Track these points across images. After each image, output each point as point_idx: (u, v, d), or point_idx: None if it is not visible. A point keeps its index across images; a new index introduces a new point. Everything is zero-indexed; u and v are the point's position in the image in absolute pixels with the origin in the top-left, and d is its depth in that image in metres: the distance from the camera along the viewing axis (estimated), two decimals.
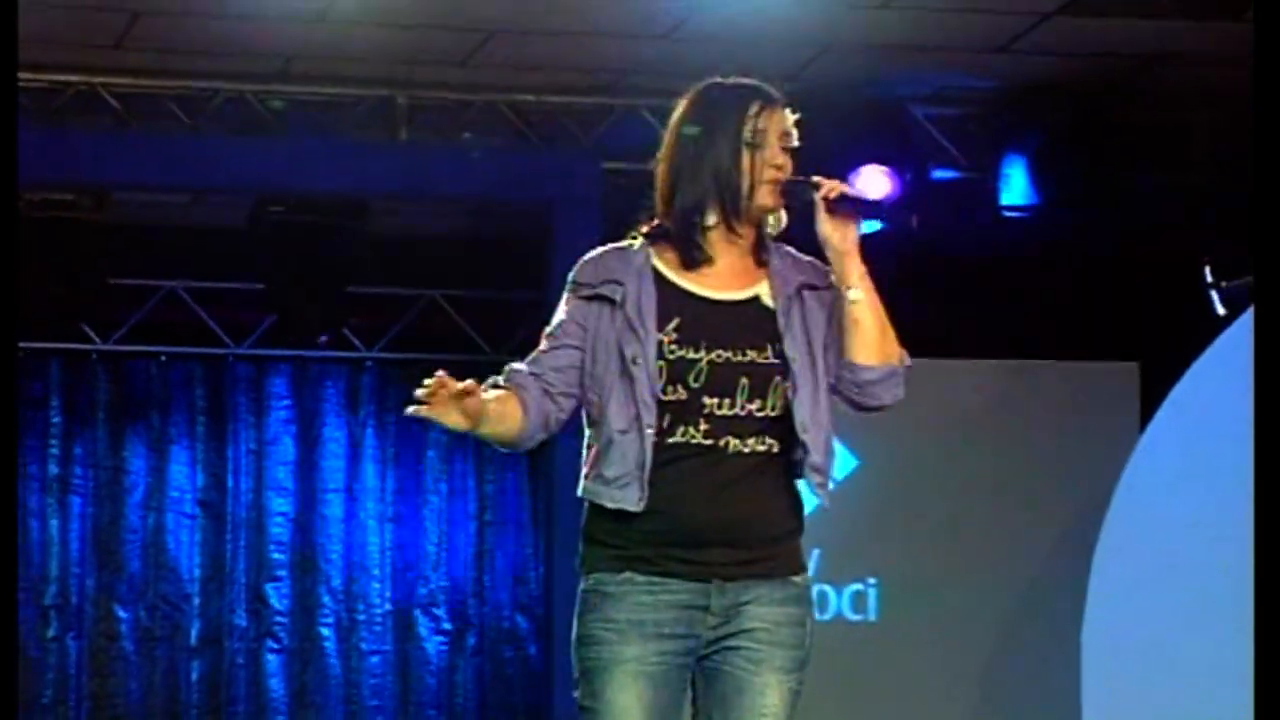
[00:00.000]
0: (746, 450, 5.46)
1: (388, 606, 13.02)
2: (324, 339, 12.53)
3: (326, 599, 13.01)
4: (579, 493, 5.54)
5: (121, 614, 12.84)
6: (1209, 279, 11.43)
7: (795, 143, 5.54)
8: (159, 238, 12.27)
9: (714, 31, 10.31)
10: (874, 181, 11.46)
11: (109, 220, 11.73)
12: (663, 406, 5.43)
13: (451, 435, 12.82)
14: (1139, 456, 10.62)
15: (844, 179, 11.34)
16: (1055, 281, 11.70)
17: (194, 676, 12.90)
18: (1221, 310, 11.26)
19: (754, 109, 5.51)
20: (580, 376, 5.52)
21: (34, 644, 12.69)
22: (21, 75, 11.07)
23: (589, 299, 5.53)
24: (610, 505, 5.45)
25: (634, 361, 5.45)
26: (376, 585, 13.05)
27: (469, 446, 13.09)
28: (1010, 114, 11.56)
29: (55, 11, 10.46)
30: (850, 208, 5.48)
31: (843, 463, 11.49)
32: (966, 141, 11.67)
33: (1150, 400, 11.20)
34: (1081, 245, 11.62)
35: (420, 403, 5.41)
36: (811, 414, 5.47)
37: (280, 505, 13.05)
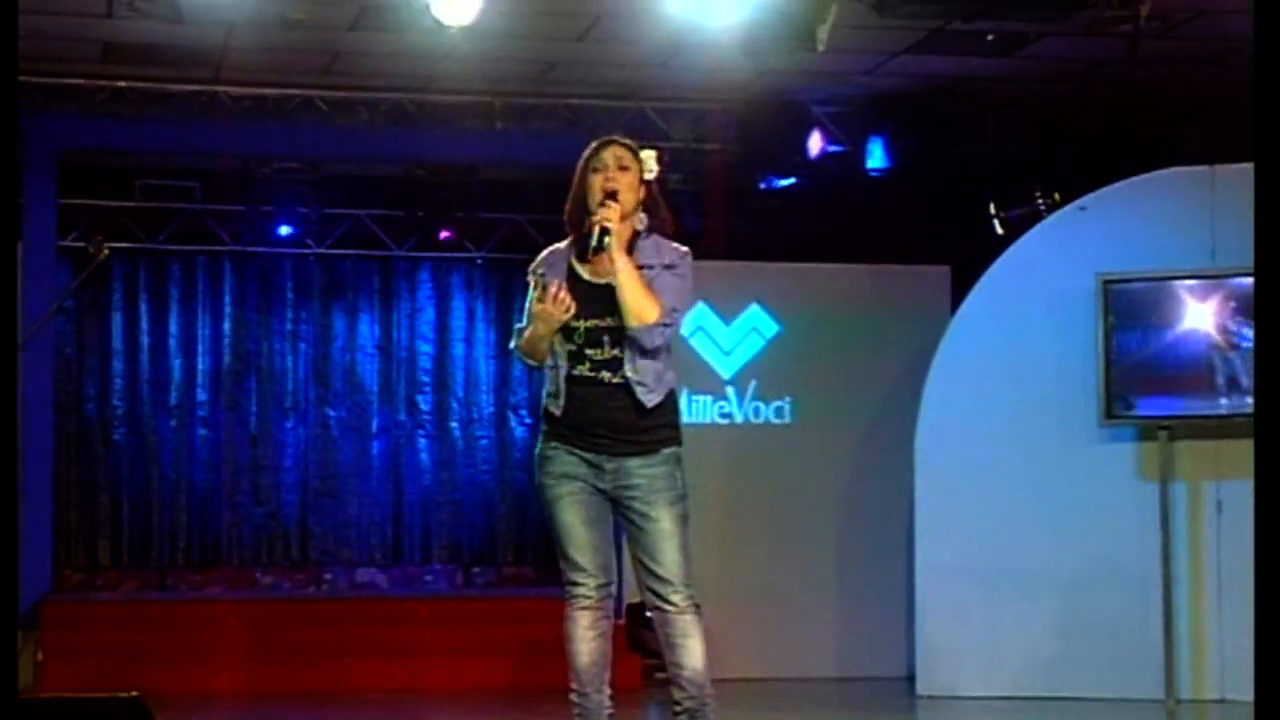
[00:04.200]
0: (615, 380, 5.65)
1: (491, 409, 13.05)
2: (445, 238, 12.47)
3: (454, 405, 13.03)
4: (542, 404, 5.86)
5: (330, 413, 12.90)
6: (993, 211, 11.46)
7: (627, 165, 5.63)
8: (352, 186, 12.29)
9: (691, 63, 10.35)
10: (817, 142, 11.51)
11: (321, 177, 11.75)
12: (568, 353, 5.66)
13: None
14: (951, 329, 10.55)
15: (781, 154, 11.34)
16: (898, 214, 11.64)
17: (374, 452, 12.94)
18: (1000, 231, 11.28)
19: (595, 148, 5.71)
20: None
21: (277, 431, 12.77)
22: (264, 89, 11.18)
23: (536, 283, 5.76)
24: (549, 409, 5.75)
25: (541, 297, 5.63)
26: (485, 396, 13.05)
27: None
28: (873, 112, 11.51)
29: (290, 53, 10.53)
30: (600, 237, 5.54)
31: (767, 327, 11.54)
32: (846, 128, 11.59)
33: (958, 292, 11.03)
34: (915, 192, 11.54)
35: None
36: (631, 355, 5.63)
37: (425, 348, 13.03)
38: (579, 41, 10.38)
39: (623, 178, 5.59)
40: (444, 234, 12.42)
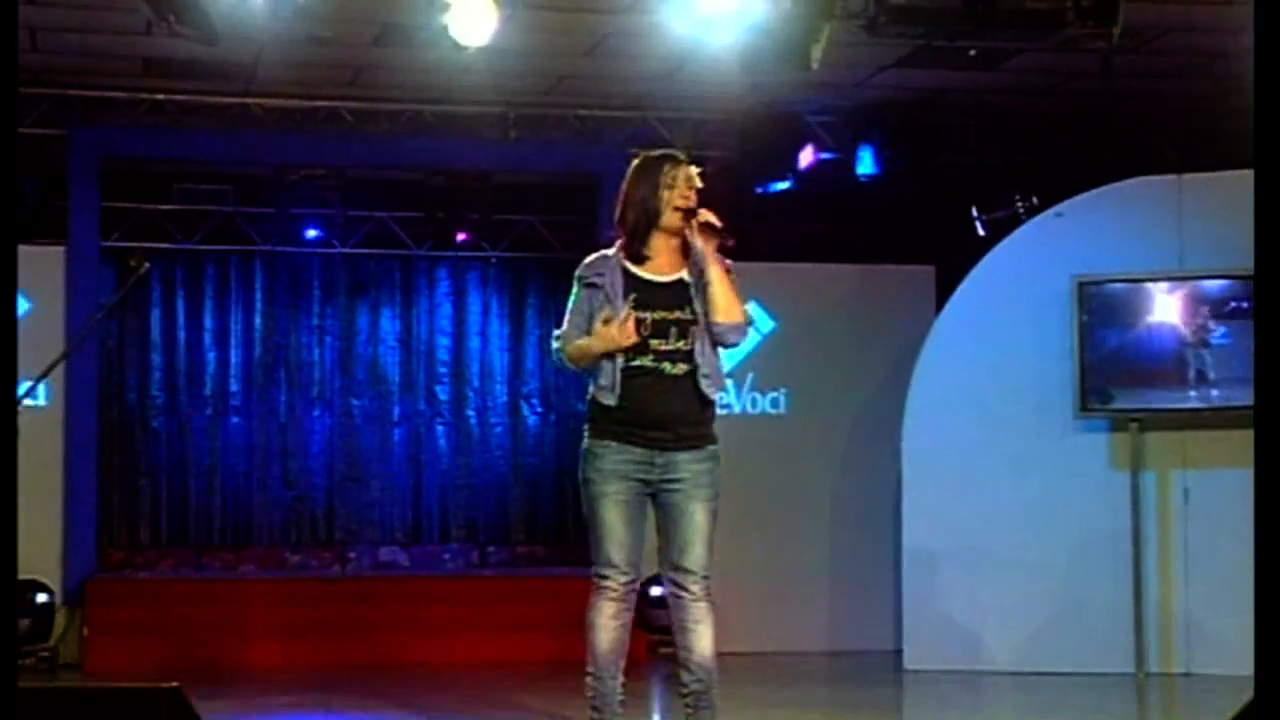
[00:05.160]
0: (677, 371, 5.68)
1: (505, 399, 12.95)
2: (462, 239, 12.42)
3: (470, 394, 12.92)
4: (587, 394, 5.77)
5: (354, 402, 12.77)
6: (975, 214, 11.44)
7: (698, 184, 5.73)
8: (375, 190, 12.26)
9: (695, 76, 10.33)
10: (808, 155, 11.51)
11: (346, 182, 11.69)
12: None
13: (542, 303, 13.01)
14: (936, 326, 10.58)
15: (777, 161, 11.38)
16: (886, 217, 11.62)
17: (396, 438, 12.83)
18: (982, 232, 11.25)
19: (668, 167, 5.67)
20: (589, 331, 5.69)
21: (305, 419, 12.69)
22: (293, 101, 11.19)
23: (586, 285, 5.77)
24: (601, 399, 5.65)
25: (608, 319, 5.64)
26: (499, 386, 12.95)
27: (550, 313, 12.97)
28: (863, 121, 11.50)
29: (316, 68, 10.53)
30: (708, 229, 5.57)
31: (764, 323, 11.54)
32: (838, 137, 11.58)
33: (942, 291, 11.10)
34: (902, 196, 11.51)
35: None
36: (701, 347, 5.68)
37: (443, 341, 12.92)
38: (588, 57, 10.38)
39: (694, 196, 5.68)
40: (460, 235, 12.37)
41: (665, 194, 5.68)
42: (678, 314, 5.65)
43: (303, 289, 12.76)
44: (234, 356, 12.61)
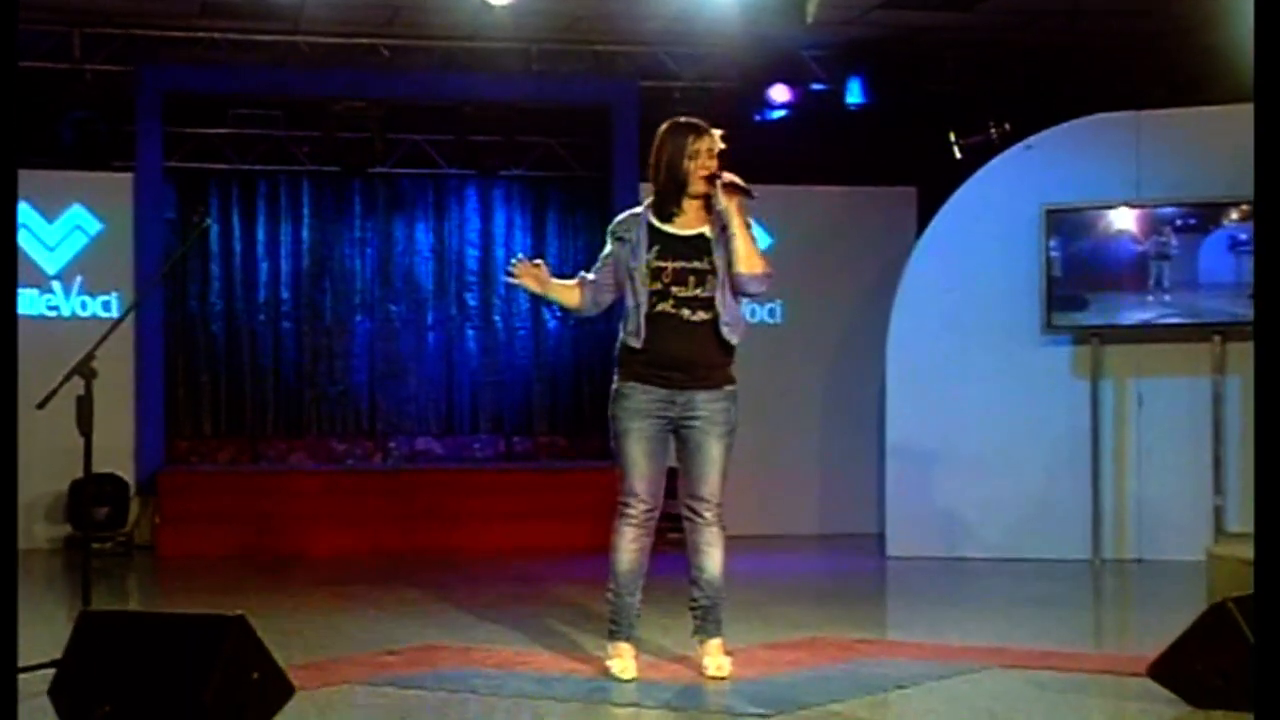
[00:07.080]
0: (696, 318, 5.69)
1: (528, 305, 12.90)
2: (488, 158, 12.39)
3: (496, 301, 12.95)
4: (618, 341, 5.82)
5: (392, 308, 12.81)
6: (953, 139, 11.45)
7: (720, 147, 5.72)
8: (410, 116, 12.27)
9: (701, 16, 10.29)
10: (780, 93, 11.56)
11: (384, 110, 11.72)
12: (651, 292, 5.68)
13: (561, 217, 13.06)
14: (918, 249, 10.60)
15: (766, 97, 11.41)
16: (873, 141, 11.62)
17: (430, 341, 12.87)
18: (959, 156, 11.24)
19: (691, 139, 5.71)
20: (614, 280, 5.77)
21: (348, 323, 12.73)
22: (336, 38, 11.20)
23: (616, 240, 5.80)
24: (628, 342, 5.72)
25: (634, 269, 5.70)
26: (522, 294, 12.15)
27: (569, 228, 13.07)
28: (851, 55, 11.51)
29: (357, 8, 10.56)
30: (732, 188, 5.63)
31: (761, 239, 11.51)
32: (829, 69, 11.61)
33: (923, 210, 11.14)
34: (887, 122, 11.51)
35: (513, 276, 5.91)
36: (722, 296, 5.68)
37: (472, 253, 12.94)
38: (601, 0, 10.40)
39: (717, 163, 5.66)
40: (487, 156, 12.41)
41: (690, 164, 5.65)
42: (696, 264, 5.65)
43: (345, 205, 12.77)
44: (284, 266, 12.67)
